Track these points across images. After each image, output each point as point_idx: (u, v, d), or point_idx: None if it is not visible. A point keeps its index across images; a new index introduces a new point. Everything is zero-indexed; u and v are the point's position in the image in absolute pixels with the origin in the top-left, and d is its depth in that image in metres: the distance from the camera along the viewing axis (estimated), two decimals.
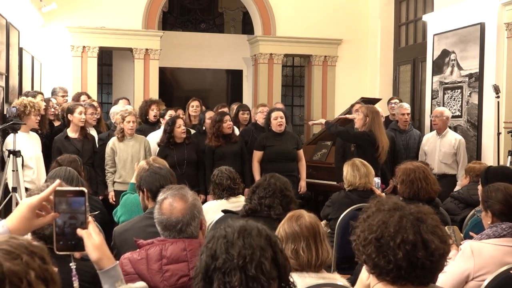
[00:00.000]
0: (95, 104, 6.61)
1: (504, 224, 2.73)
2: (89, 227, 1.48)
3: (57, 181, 1.53)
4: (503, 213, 2.78)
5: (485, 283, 2.46)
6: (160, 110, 6.51)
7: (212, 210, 3.86)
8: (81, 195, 1.48)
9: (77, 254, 1.50)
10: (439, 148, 6.10)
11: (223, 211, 3.29)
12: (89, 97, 7.03)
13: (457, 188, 5.49)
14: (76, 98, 6.85)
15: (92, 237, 1.48)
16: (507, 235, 2.67)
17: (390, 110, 7.19)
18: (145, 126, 6.37)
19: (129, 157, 5.45)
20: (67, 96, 7.16)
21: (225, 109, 6.62)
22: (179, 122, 5.54)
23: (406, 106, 6.74)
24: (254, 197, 3.15)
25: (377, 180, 4.56)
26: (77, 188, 1.51)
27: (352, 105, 6.52)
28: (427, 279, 1.59)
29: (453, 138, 6.10)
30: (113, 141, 5.50)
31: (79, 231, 1.47)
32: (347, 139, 5.57)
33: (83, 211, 1.48)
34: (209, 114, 6.09)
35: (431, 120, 6.35)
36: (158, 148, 5.60)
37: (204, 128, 6.02)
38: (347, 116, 6.27)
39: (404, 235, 1.55)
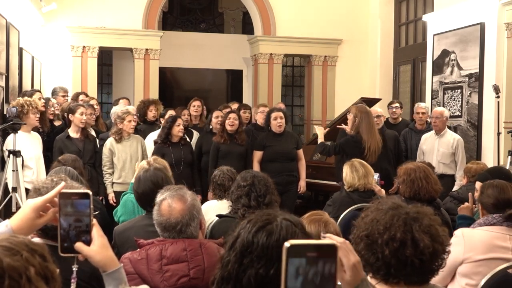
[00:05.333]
0: (94, 102, 6.60)
1: (496, 214, 2.82)
2: (93, 230, 1.48)
3: (62, 183, 1.54)
4: (493, 207, 2.89)
5: (482, 282, 2.46)
6: (158, 110, 6.50)
7: (212, 210, 3.84)
8: (86, 198, 1.48)
9: (81, 257, 1.50)
10: (437, 148, 6.07)
11: (217, 215, 3.23)
12: (87, 96, 7.02)
13: (455, 188, 5.48)
14: (75, 97, 6.85)
15: (92, 243, 1.48)
16: (497, 223, 2.75)
17: (390, 115, 7.06)
18: (143, 126, 6.37)
19: (128, 157, 5.43)
20: (67, 96, 7.16)
21: (229, 108, 6.61)
22: (179, 121, 5.56)
23: (422, 105, 6.58)
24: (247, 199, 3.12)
25: (375, 176, 4.51)
26: (82, 191, 1.51)
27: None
28: (420, 278, 1.59)
29: (451, 138, 6.06)
30: (110, 142, 5.43)
31: (77, 245, 1.47)
32: (329, 155, 5.57)
33: (88, 213, 1.48)
34: (216, 114, 6.12)
35: (431, 121, 6.34)
36: (154, 146, 5.59)
37: (211, 127, 6.03)
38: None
39: (392, 233, 1.57)
